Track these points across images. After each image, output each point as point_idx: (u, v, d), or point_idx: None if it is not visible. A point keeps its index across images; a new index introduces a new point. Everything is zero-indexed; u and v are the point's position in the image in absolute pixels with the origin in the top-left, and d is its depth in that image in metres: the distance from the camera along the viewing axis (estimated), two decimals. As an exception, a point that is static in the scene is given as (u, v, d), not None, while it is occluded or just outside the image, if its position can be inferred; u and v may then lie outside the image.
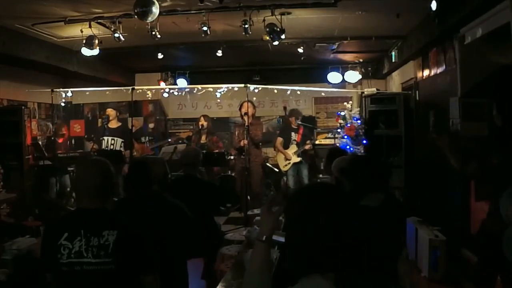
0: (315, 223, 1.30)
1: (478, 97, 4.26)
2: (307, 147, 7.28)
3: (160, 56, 6.66)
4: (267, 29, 5.05)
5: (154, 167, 3.21)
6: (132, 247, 2.04)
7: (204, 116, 7.59)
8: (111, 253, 1.99)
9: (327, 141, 7.70)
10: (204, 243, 3.69)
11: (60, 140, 8.04)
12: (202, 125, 7.41)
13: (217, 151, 7.14)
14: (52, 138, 7.87)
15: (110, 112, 7.23)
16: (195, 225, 3.12)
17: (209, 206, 4.19)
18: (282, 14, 5.05)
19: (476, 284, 3.36)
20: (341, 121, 7.34)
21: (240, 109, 7.24)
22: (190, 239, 3.07)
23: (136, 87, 7.09)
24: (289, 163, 7.43)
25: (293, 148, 7.43)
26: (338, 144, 7.20)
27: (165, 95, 8.90)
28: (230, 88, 7.31)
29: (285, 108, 8.30)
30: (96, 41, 5.43)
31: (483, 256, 3.25)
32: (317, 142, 7.66)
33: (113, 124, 7.19)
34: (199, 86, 7.93)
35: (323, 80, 8.60)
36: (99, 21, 5.26)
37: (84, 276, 2.00)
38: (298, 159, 7.37)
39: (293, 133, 7.50)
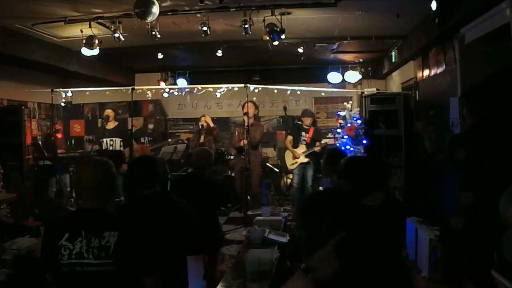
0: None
1: (478, 97, 4.26)
2: (316, 149, 7.26)
3: (160, 56, 6.66)
4: (267, 29, 5.05)
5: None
6: (133, 248, 2.03)
7: (204, 115, 7.60)
8: (112, 254, 1.98)
9: (328, 141, 7.71)
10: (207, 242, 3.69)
11: (59, 136, 8.01)
12: (206, 125, 7.41)
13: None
14: (52, 138, 7.86)
15: (110, 113, 7.23)
16: (200, 225, 3.11)
17: (213, 205, 4.20)
18: (282, 14, 5.05)
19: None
20: (341, 121, 7.33)
21: (242, 109, 7.23)
22: (195, 239, 3.06)
23: (136, 87, 7.09)
24: (297, 162, 7.41)
25: (302, 148, 7.41)
26: (338, 144, 7.19)
27: (165, 95, 8.90)
28: (230, 88, 7.31)
29: (285, 108, 8.30)
30: (96, 41, 5.43)
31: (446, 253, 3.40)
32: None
33: (111, 125, 7.19)
34: (199, 86, 7.93)
35: (323, 80, 8.60)
36: (99, 21, 5.26)
37: (85, 277, 1.99)
38: (306, 160, 7.35)
39: (303, 133, 7.49)
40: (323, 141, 7.43)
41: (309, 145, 7.36)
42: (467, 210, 3.09)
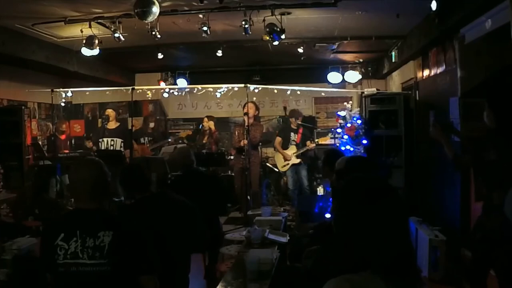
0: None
1: (478, 97, 4.26)
2: (311, 146, 7.24)
3: (160, 56, 6.66)
4: (267, 29, 5.04)
5: (154, 167, 3.21)
6: (128, 248, 2.03)
7: (209, 116, 7.64)
8: (107, 255, 1.98)
9: (327, 141, 7.69)
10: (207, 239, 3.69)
11: (63, 137, 8.03)
12: (210, 128, 7.48)
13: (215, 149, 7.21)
14: (52, 138, 7.86)
15: (110, 112, 7.24)
16: (201, 220, 3.11)
17: (213, 201, 4.20)
18: (282, 14, 5.05)
19: (470, 279, 3.42)
20: (341, 121, 7.33)
21: (243, 109, 7.23)
22: (196, 236, 3.06)
23: (136, 87, 7.10)
24: (288, 163, 7.39)
25: (292, 149, 7.39)
26: (337, 144, 7.19)
27: (165, 95, 8.90)
28: (230, 88, 7.31)
29: (285, 108, 8.30)
30: (96, 41, 5.43)
31: (477, 252, 3.31)
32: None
33: (112, 125, 7.20)
34: (199, 86, 7.93)
35: (323, 80, 8.60)
36: (99, 21, 5.26)
37: (80, 277, 1.99)
38: (298, 161, 7.33)
39: (292, 134, 7.47)
40: (316, 139, 7.44)
41: (299, 146, 7.34)
42: (499, 209, 3.06)
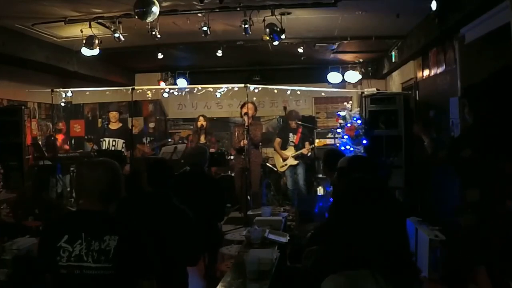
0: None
1: (480, 95, 4.26)
2: (305, 151, 7.24)
3: (160, 56, 6.66)
4: (267, 29, 5.05)
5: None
6: (132, 253, 2.02)
7: (203, 116, 7.60)
8: (112, 259, 1.97)
9: (327, 141, 7.70)
10: (205, 243, 3.69)
11: (61, 137, 8.03)
12: (202, 125, 7.41)
13: (214, 150, 7.16)
14: (53, 138, 7.86)
15: (115, 115, 7.26)
16: (199, 229, 3.12)
17: (213, 202, 4.21)
18: (282, 14, 5.05)
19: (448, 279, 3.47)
20: (341, 121, 7.33)
21: (241, 109, 7.23)
22: (193, 243, 3.07)
23: (136, 87, 7.09)
24: (286, 164, 7.40)
25: (290, 150, 7.39)
26: (337, 144, 7.19)
27: (165, 95, 8.90)
28: (230, 88, 7.30)
29: (285, 108, 8.30)
30: (96, 41, 5.43)
31: (457, 251, 3.36)
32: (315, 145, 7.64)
33: (114, 125, 7.20)
34: (199, 86, 7.92)
35: (323, 80, 8.60)
36: (99, 21, 5.26)
37: (83, 280, 1.98)
38: (296, 162, 7.33)
39: (291, 134, 7.47)
40: (316, 140, 7.43)
41: (297, 147, 7.34)
42: (475, 207, 3.08)
